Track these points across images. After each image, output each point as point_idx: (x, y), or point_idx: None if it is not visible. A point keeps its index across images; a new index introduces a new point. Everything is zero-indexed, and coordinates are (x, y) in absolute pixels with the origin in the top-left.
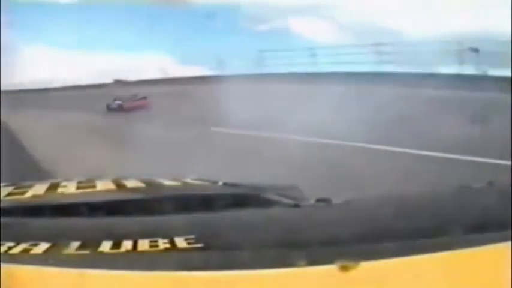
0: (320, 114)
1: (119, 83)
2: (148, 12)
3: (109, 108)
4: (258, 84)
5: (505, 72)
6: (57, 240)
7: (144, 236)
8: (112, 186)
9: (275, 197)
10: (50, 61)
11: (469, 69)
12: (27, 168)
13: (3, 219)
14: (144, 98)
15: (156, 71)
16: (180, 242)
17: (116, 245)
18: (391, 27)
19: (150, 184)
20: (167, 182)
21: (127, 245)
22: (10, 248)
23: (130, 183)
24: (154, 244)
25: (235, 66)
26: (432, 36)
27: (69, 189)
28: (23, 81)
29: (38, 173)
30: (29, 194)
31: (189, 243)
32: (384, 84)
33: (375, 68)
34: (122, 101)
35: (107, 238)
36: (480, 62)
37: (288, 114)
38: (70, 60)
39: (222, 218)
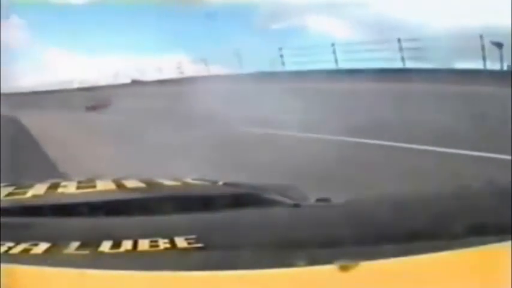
0: (344, 112)
1: (136, 83)
2: (161, 12)
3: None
4: (277, 83)
5: None
6: (57, 240)
7: (144, 236)
8: (112, 186)
9: (275, 197)
10: (57, 63)
11: (492, 65)
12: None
13: (3, 219)
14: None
15: (172, 70)
16: (180, 242)
17: (116, 245)
18: (411, 23)
19: (150, 184)
20: (167, 182)
21: (127, 245)
22: (10, 248)
23: (131, 183)
24: (154, 244)
25: (254, 64)
26: (454, 30)
27: (69, 189)
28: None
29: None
30: (29, 194)
31: (189, 243)
32: (407, 81)
33: (396, 64)
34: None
35: (107, 238)
36: (504, 57)
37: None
38: (78, 62)
39: (222, 218)
